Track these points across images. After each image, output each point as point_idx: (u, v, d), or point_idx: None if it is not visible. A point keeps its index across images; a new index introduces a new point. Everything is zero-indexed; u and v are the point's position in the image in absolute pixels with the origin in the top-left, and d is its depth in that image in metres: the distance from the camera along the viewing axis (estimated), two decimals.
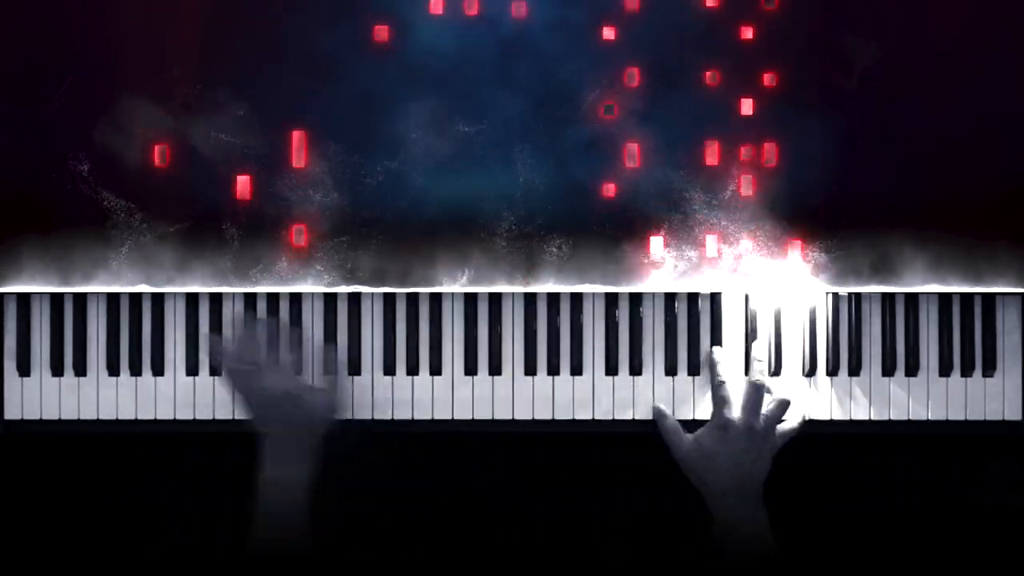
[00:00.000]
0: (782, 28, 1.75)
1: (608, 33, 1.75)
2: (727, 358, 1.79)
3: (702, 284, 1.78)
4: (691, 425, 1.77)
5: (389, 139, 1.76)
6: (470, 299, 1.81)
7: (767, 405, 1.75)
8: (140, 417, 1.80)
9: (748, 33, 1.75)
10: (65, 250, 1.75)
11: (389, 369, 1.80)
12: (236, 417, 1.78)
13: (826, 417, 1.80)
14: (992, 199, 1.76)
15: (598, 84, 1.75)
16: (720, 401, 1.75)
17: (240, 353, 1.76)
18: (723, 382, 1.76)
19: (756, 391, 1.75)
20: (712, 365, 1.78)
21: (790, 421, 1.77)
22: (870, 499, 1.90)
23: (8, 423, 1.79)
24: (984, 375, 1.80)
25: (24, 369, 1.79)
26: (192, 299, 1.80)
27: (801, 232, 1.77)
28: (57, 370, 1.79)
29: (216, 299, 1.80)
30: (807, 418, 1.79)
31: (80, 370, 1.79)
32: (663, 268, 1.77)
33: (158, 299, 1.80)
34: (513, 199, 1.76)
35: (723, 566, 1.68)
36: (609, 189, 1.76)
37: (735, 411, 1.74)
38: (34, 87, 1.74)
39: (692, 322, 1.80)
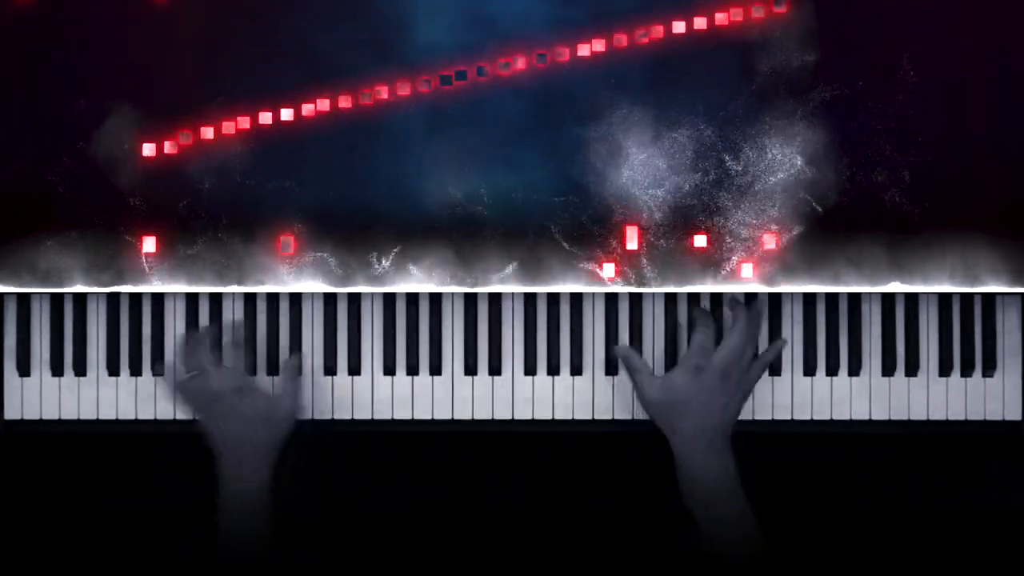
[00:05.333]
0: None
1: None
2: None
3: (702, 285, 1.77)
4: None
5: (383, 142, 1.76)
6: (470, 299, 1.81)
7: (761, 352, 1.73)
8: (140, 417, 1.80)
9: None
10: (65, 250, 1.75)
11: (389, 369, 1.80)
12: None
13: (826, 417, 1.80)
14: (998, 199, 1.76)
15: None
16: (699, 343, 1.71)
17: (185, 365, 1.73)
18: (708, 328, 1.72)
19: (742, 339, 1.70)
20: (701, 313, 1.75)
21: (765, 352, 1.74)
22: (869, 499, 1.90)
23: (8, 423, 1.79)
24: (984, 375, 1.80)
25: (24, 369, 1.79)
26: (192, 299, 1.80)
27: (797, 232, 1.77)
28: (57, 370, 1.79)
29: (216, 299, 1.80)
30: (784, 342, 1.76)
31: (80, 370, 1.79)
32: (664, 268, 1.77)
33: (158, 299, 1.80)
34: (512, 199, 1.76)
35: (702, 543, 1.65)
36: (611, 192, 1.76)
37: (715, 355, 1.69)
38: (34, 87, 1.74)
39: (692, 323, 1.80)
